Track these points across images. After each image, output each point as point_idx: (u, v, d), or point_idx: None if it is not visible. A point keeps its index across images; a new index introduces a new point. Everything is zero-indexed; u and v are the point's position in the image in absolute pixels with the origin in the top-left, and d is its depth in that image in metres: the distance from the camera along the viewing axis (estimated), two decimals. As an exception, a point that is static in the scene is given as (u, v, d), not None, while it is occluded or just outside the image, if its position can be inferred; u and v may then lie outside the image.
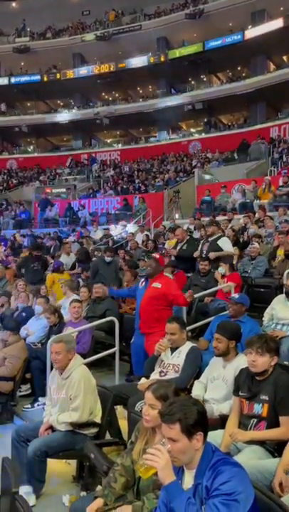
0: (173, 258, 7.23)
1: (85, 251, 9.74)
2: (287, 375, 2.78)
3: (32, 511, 2.01)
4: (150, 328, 4.40)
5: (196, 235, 9.91)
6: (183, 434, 1.81)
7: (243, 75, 25.43)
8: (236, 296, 4.32)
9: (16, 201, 21.12)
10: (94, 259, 8.81)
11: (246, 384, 2.81)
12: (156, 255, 5.06)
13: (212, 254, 6.55)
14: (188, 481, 1.87)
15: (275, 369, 2.78)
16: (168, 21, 24.62)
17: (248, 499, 1.75)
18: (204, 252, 6.78)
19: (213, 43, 23.35)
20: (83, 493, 3.13)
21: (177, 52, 24.45)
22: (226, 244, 6.80)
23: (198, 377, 3.53)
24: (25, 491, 3.05)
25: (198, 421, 1.84)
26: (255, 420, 2.71)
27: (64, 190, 22.43)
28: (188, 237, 7.74)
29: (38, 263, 8.48)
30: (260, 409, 2.70)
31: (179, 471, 1.91)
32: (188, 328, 4.72)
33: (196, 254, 7.02)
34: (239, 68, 26.26)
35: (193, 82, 26.16)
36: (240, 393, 2.83)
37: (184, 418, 1.82)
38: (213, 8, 22.81)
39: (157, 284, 4.49)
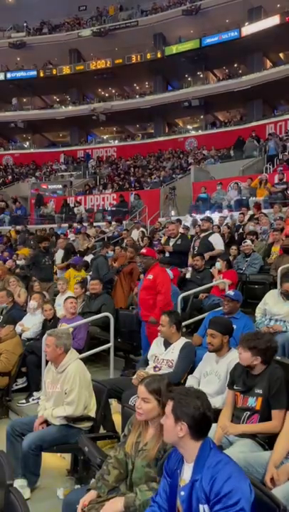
0: (167, 254, 7.23)
1: (70, 246, 9.81)
2: (281, 369, 2.83)
3: (26, 504, 2.03)
4: (147, 316, 4.76)
5: (192, 231, 9.95)
6: (172, 413, 1.92)
7: (240, 71, 25.44)
8: (231, 293, 4.32)
9: (12, 197, 21.04)
10: (92, 256, 8.81)
11: (241, 378, 2.86)
12: (143, 250, 5.23)
13: (207, 256, 6.67)
14: (187, 472, 1.91)
15: (271, 364, 2.82)
16: (164, 17, 24.57)
17: (249, 501, 1.79)
18: (196, 248, 6.83)
19: (210, 40, 23.36)
20: (77, 487, 3.16)
21: (174, 49, 24.42)
22: (217, 241, 6.90)
23: (191, 372, 3.57)
24: (19, 484, 3.09)
25: (191, 415, 1.88)
26: (248, 413, 2.76)
27: (60, 186, 22.39)
28: (180, 233, 7.74)
29: (48, 258, 8.14)
30: (253, 402, 2.75)
31: (179, 462, 1.96)
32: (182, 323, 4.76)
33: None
34: (236, 65, 26.25)
35: (189, 79, 26.13)
36: (234, 387, 2.88)
37: (177, 403, 1.91)
38: (210, 4, 22.79)
39: (150, 276, 4.86)
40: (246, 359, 2.82)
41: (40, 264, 7.95)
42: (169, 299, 4.86)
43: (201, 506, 1.81)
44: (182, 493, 1.89)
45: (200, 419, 1.89)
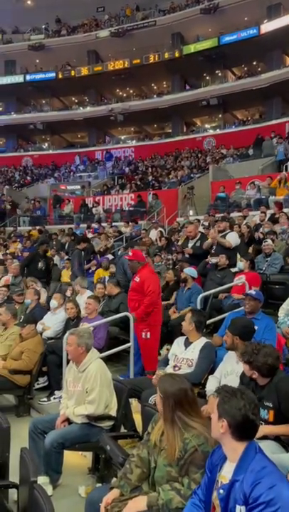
0: (187, 255, 7.21)
1: (90, 246, 9.89)
2: (287, 380, 2.77)
3: (50, 501, 2.05)
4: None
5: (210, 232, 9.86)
6: (216, 409, 1.96)
7: (259, 69, 25.18)
8: (253, 292, 4.27)
9: (30, 198, 21.27)
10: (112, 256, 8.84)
11: (250, 386, 2.83)
12: (130, 253, 5.35)
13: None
14: (227, 471, 1.93)
15: (277, 374, 2.77)
16: (182, 16, 24.51)
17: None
18: (214, 248, 6.78)
19: (229, 38, 23.18)
20: (99, 485, 3.19)
21: (192, 48, 24.32)
22: (231, 238, 6.86)
23: (212, 372, 3.56)
24: (42, 481, 3.13)
25: (232, 414, 1.90)
26: (263, 423, 2.73)
27: (78, 187, 22.56)
28: (199, 233, 7.67)
29: (85, 258, 8.42)
30: (265, 414, 2.72)
31: (221, 459, 1.98)
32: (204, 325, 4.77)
33: (205, 245, 6.98)
34: (254, 63, 26.01)
35: (208, 78, 26.00)
36: (247, 391, 2.84)
37: (221, 400, 1.95)
38: (228, 2, 22.61)
39: (137, 278, 4.99)
40: (246, 371, 2.82)
41: (82, 265, 8.21)
42: (154, 299, 4.96)
43: (238, 507, 1.81)
44: (221, 491, 1.90)
45: (241, 420, 1.89)
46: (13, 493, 2.71)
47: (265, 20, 22.59)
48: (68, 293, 6.64)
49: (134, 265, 5.12)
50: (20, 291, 6.81)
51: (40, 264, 8.71)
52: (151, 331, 4.89)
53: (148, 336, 4.86)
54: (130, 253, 5.32)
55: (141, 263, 5.13)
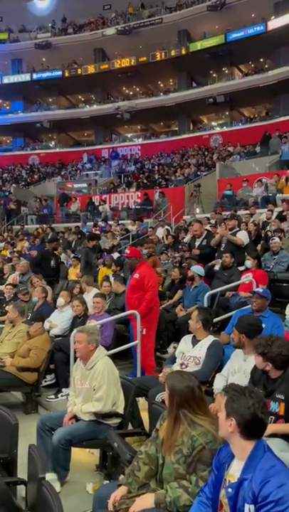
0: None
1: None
2: None
3: (59, 497, 2.06)
4: (131, 315, 4.93)
5: (218, 229, 9.83)
6: (224, 408, 1.95)
7: (266, 66, 25.02)
8: (260, 290, 4.28)
9: (34, 196, 21.34)
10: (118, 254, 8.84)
11: (262, 381, 2.83)
12: (127, 251, 5.39)
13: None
14: (235, 469, 1.92)
15: None
16: (189, 13, 24.41)
17: None
18: (222, 245, 6.75)
19: (235, 35, 23.06)
20: (106, 482, 3.21)
21: (198, 45, 24.22)
22: (242, 236, 6.81)
23: (219, 370, 3.55)
24: (50, 478, 3.14)
25: (240, 413, 1.89)
26: (274, 418, 2.73)
27: (85, 185, 22.59)
28: (206, 231, 7.62)
29: (94, 256, 8.31)
30: (276, 407, 2.72)
31: (228, 457, 1.98)
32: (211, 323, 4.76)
33: (212, 242, 6.92)
34: (262, 60, 25.83)
35: (214, 75, 25.91)
36: (255, 389, 2.84)
37: (229, 398, 1.94)
38: (236, -1, 22.51)
39: (136, 275, 5.02)
40: (259, 364, 2.82)
41: (91, 263, 8.08)
42: (154, 296, 5.01)
43: (246, 506, 1.81)
44: (230, 490, 1.90)
45: (250, 418, 1.89)
46: (21, 490, 2.73)
47: (273, 17, 22.44)
48: (76, 291, 6.64)
49: (133, 262, 5.17)
50: (26, 291, 6.84)
51: (52, 262, 8.72)
52: (147, 327, 4.93)
53: (143, 333, 4.89)
54: (128, 251, 5.35)
55: (139, 260, 5.19)
